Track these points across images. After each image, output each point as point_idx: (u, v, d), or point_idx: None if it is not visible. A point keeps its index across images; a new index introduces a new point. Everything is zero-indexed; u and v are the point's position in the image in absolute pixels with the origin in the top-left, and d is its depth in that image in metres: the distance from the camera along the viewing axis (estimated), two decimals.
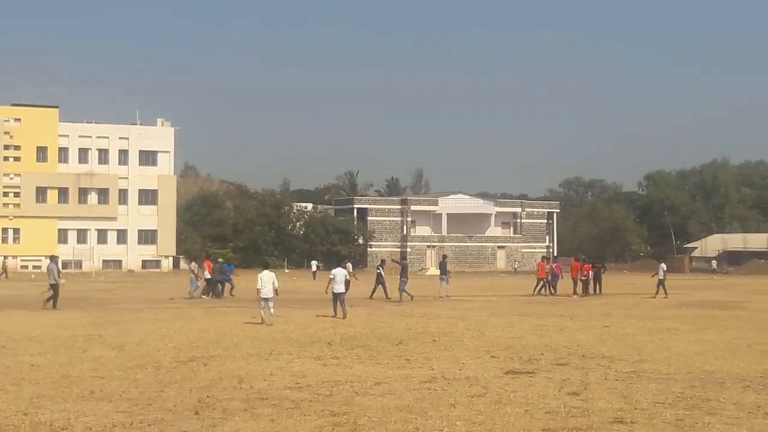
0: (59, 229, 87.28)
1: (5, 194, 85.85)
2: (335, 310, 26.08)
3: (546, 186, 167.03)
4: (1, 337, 19.59)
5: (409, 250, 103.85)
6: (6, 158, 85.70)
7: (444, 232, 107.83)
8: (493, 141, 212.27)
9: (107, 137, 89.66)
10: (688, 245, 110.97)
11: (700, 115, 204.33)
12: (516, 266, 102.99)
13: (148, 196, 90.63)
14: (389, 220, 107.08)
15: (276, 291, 23.67)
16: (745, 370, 14.78)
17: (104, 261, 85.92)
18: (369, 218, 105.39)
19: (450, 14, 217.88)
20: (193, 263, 38.77)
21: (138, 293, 41.79)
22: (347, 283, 27.21)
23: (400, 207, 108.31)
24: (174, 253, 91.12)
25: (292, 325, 23.13)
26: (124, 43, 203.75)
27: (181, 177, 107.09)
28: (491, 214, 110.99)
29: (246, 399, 11.83)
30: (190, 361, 15.73)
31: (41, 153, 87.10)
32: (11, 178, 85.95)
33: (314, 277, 60.85)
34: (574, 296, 38.66)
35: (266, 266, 26.44)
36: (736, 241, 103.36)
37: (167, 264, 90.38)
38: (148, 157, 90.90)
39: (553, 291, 40.08)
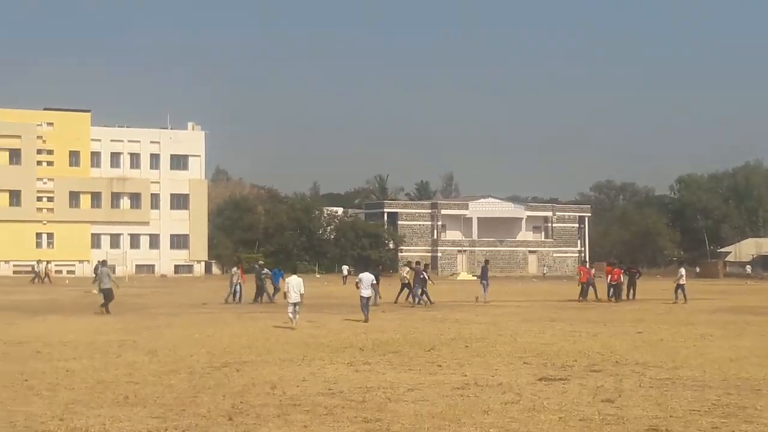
0: (92, 234, 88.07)
1: (39, 199, 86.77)
2: (365, 315, 26.46)
3: (577, 190, 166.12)
4: (37, 342, 19.77)
5: (439, 254, 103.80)
6: (39, 163, 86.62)
7: (475, 237, 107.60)
8: (523, 144, 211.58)
9: (139, 141, 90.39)
10: (721, 250, 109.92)
11: (731, 117, 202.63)
12: (545, 271, 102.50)
13: (179, 201, 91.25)
14: (420, 225, 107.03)
15: (301, 296, 23.99)
16: None
17: (137, 266, 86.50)
18: (399, 222, 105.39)
19: (479, 18, 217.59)
20: (234, 269, 39.07)
21: (170, 298, 42.02)
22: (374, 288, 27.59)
23: (430, 211, 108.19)
24: (206, 258, 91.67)
25: (324, 331, 23.17)
26: (154, 47, 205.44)
27: (213, 181, 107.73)
28: (522, 218, 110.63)
29: (279, 405, 11.85)
30: (223, 366, 15.80)
31: (74, 157, 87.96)
32: (45, 183, 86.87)
33: (345, 282, 60.92)
34: (598, 300, 38.54)
35: (294, 271, 27.13)
36: None
37: (199, 269, 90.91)
38: (179, 162, 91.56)
39: (595, 296, 39.66)
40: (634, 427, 10.46)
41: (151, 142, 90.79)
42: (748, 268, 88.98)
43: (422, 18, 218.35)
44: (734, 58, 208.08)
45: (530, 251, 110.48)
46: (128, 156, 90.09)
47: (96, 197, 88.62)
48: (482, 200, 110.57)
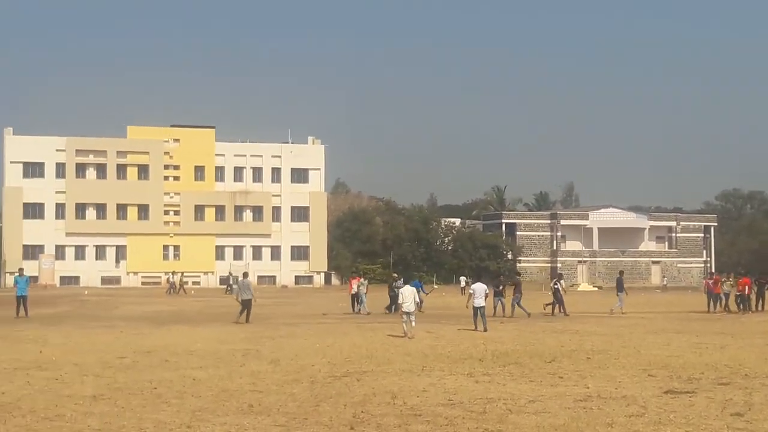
0: (216, 246, 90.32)
1: (166, 212, 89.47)
2: (476, 324, 26.98)
3: (702, 199, 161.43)
4: (164, 352, 20.35)
5: (559, 265, 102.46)
6: (166, 178, 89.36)
7: (595, 247, 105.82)
8: (645, 153, 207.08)
9: (261, 156, 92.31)
10: None
11: None
12: (665, 282, 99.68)
13: (300, 213, 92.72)
14: (538, 235, 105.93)
15: (417, 305, 24.56)
16: None
17: (259, 276, 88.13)
18: (518, 233, 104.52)
19: (600, 31, 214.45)
20: (361, 279, 39.69)
21: (291, 308, 42.69)
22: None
23: (549, 221, 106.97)
24: (325, 269, 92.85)
25: (443, 341, 23.15)
26: (275, 65, 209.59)
27: (332, 194, 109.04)
28: (645, 228, 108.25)
29: (400, 415, 11.88)
30: (343, 376, 15.94)
31: (199, 172, 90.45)
32: (171, 197, 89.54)
33: (463, 293, 60.78)
34: (721, 312, 37.48)
35: (407, 282, 27.90)
36: None
37: (319, 279, 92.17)
38: (299, 175, 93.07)
39: (723, 308, 38.66)
40: None
41: (273, 156, 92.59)
42: None
43: (542, 31, 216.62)
44: None
45: (653, 262, 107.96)
46: (251, 170, 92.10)
47: (220, 210, 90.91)
48: (603, 210, 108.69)
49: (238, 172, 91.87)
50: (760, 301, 39.04)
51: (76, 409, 12.39)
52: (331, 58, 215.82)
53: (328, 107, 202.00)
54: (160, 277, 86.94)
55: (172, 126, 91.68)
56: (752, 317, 35.11)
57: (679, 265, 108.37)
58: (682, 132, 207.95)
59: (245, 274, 33.93)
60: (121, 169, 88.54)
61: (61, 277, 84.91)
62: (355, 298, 38.10)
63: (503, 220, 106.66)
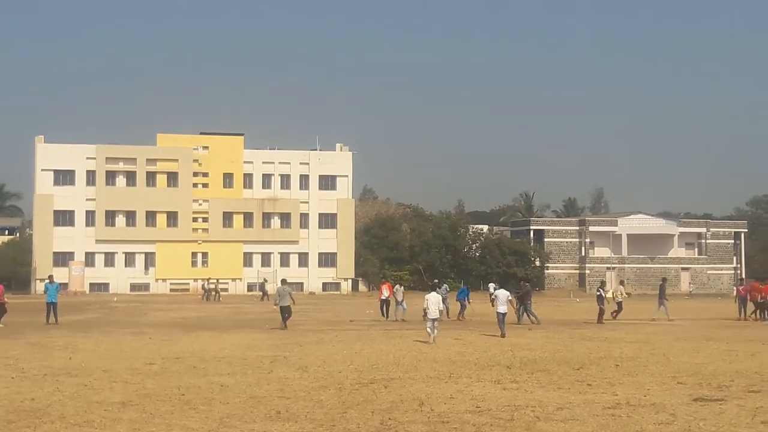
0: (244, 253, 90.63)
1: (194, 219, 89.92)
2: (502, 330, 27.26)
3: (732, 205, 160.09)
4: (192, 358, 20.45)
5: (587, 271, 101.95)
6: (195, 185, 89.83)
7: (624, 253, 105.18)
8: (676, 159, 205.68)
9: (289, 163, 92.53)
10: None
11: None
12: (691, 289, 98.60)
13: (328, 220, 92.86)
14: (567, 242, 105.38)
15: (442, 312, 24.83)
16: None
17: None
18: (546, 240, 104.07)
19: (626, 40, 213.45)
20: (397, 286, 39.85)
21: (319, 315, 42.77)
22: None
23: (577, 228, 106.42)
24: (353, 276, 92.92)
25: (470, 348, 23.11)
26: (303, 72, 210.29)
27: (360, 201, 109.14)
28: (674, 235, 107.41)
29: (427, 422, 11.87)
30: (371, 382, 15.94)
31: (227, 179, 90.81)
32: (200, 204, 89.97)
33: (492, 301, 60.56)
34: (749, 319, 37.12)
35: (433, 288, 28.22)
36: None
37: (346, 286, 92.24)
38: (327, 182, 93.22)
39: (745, 316, 38.32)
40: None
41: (301, 163, 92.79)
42: None
43: (566, 35, 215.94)
44: None
45: (683, 268, 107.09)
46: (279, 177, 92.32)
47: (248, 217, 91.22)
48: (632, 216, 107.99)
49: (267, 179, 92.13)
50: None
51: (105, 415, 12.48)
52: (359, 65, 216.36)
53: (356, 114, 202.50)
54: (188, 283, 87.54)
55: (201, 134, 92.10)
56: None
57: (708, 272, 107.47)
58: (712, 138, 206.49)
59: (284, 281, 34.12)
60: (151, 177, 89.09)
61: (91, 284, 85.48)
62: (385, 304, 38.09)
63: (531, 227, 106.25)
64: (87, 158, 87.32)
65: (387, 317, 37.29)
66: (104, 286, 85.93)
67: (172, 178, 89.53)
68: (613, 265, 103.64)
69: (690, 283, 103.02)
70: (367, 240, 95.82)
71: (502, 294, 28.38)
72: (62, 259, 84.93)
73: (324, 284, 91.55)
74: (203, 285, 73.11)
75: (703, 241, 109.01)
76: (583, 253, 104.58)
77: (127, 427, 11.56)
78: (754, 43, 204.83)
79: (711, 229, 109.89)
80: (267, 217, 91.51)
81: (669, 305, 38.91)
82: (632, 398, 13.96)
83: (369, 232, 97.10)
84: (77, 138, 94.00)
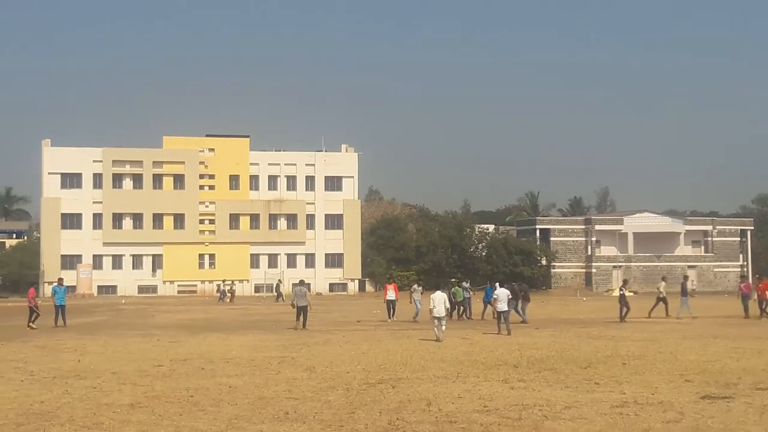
0: (251, 254, 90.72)
1: (201, 221, 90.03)
2: (499, 328, 27.89)
3: (738, 202, 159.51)
4: (200, 359, 20.49)
5: (594, 270, 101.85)
6: (201, 187, 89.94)
7: (630, 252, 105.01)
8: (681, 157, 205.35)
9: (294, 164, 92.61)
10: None
11: None
12: (694, 287, 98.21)
13: (334, 221, 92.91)
14: (573, 241, 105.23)
15: (447, 311, 25.42)
16: None
17: (293, 284, 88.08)
18: (552, 239, 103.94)
19: (635, 35, 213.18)
20: (415, 286, 40.09)
21: (326, 316, 42.81)
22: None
23: (583, 227, 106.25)
24: (359, 276, 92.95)
25: (477, 348, 23.13)
26: (308, 74, 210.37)
27: (366, 201, 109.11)
28: (680, 233, 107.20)
29: (435, 422, 11.89)
30: (378, 383, 15.97)
31: (234, 181, 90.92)
32: (206, 206, 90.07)
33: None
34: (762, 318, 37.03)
35: (438, 287, 28.83)
36: None
37: (353, 287, 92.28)
38: (333, 183, 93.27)
39: (747, 314, 38.19)
40: None
41: (307, 164, 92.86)
42: None
43: (571, 37, 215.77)
44: None
45: (689, 266, 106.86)
46: (285, 178, 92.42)
47: (254, 219, 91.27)
48: (638, 215, 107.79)
49: (273, 181, 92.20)
50: None
51: (114, 417, 12.53)
52: (365, 66, 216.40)
53: (361, 115, 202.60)
54: (195, 285, 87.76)
55: (207, 136, 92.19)
56: None
57: (715, 270, 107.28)
58: (718, 135, 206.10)
59: (301, 282, 34.39)
60: (157, 179, 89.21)
61: (99, 287, 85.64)
62: (391, 305, 38.07)
63: (537, 226, 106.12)
64: (93, 161, 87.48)
65: (391, 318, 37.28)
66: (112, 289, 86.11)
67: (179, 180, 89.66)
68: (619, 264, 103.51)
69: (693, 281, 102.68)
70: (374, 240, 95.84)
71: (503, 292, 28.76)
72: (70, 261, 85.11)
73: (331, 285, 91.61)
74: (219, 286, 73.70)
75: (710, 239, 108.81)
76: (589, 252, 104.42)
77: (136, 429, 11.61)
78: (757, 42, 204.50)
79: (717, 227, 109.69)
80: (273, 219, 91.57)
81: (674, 304, 38.83)
82: (640, 396, 13.98)
83: (375, 233, 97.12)
84: (84, 141, 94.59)
